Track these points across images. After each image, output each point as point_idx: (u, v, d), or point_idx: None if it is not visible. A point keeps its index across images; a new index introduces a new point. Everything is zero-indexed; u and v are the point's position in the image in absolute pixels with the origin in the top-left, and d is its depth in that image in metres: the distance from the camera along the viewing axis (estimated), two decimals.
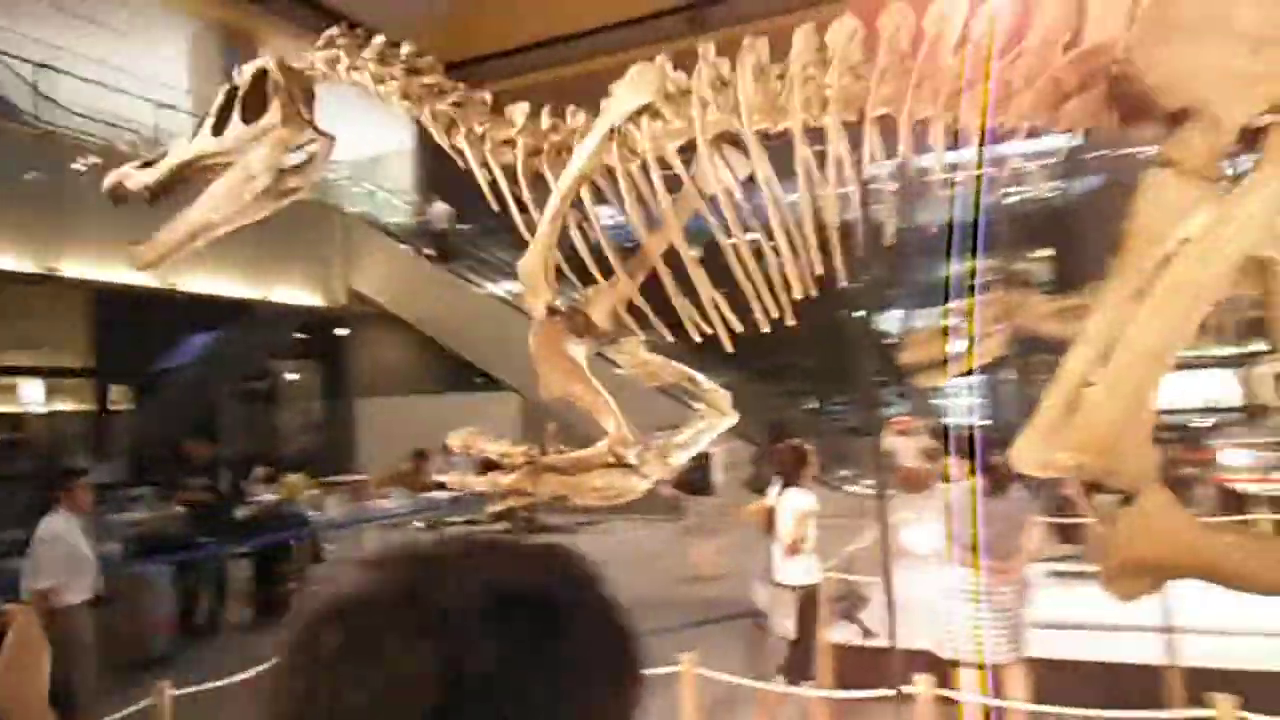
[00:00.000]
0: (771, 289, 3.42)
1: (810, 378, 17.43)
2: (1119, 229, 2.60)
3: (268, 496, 9.40)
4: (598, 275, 3.66)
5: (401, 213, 19.05)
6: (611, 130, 3.36)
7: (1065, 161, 13.88)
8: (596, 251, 3.64)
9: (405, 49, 3.82)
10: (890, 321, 15.55)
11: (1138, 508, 2.51)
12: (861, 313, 6.43)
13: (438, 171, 19.56)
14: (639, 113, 3.35)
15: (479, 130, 3.71)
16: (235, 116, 3.65)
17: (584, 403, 3.61)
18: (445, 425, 12.67)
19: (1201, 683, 4.00)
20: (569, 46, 18.98)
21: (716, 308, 3.46)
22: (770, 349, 4.60)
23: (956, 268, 3.81)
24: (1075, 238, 14.05)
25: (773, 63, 3.22)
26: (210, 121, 3.72)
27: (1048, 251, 16.39)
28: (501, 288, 16.47)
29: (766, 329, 3.53)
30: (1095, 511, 2.74)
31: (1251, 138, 2.53)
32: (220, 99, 3.74)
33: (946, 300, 3.79)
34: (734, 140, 3.31)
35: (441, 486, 12.43)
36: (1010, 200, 13.49)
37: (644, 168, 3.41)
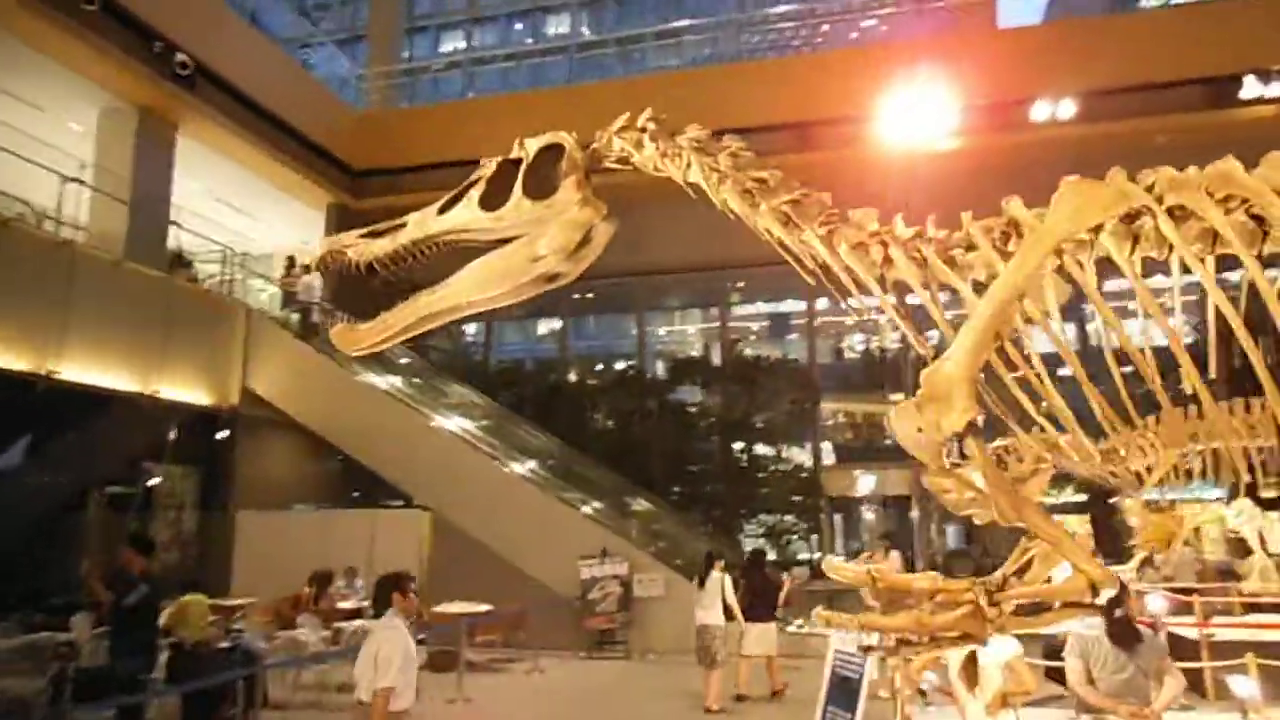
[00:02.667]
0: None
1: None
2: None
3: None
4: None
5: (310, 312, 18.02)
6: (1054, 246, 3.02)
7: None
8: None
9: (726, 139, 3.45)
10: None
11: None
12: None
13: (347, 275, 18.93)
14: (1087, 229, 3.03)
15: (821, 230, 3.30)
16: (517, 191, 3.27)
17: (1042, 533, 3.32)
18: (348, 543, 11.46)
19: None
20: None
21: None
22: None
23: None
24: None
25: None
26: (475, 193, 3.32)
27: None
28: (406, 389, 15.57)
29: None
30: None
31: None
32: (488, 170, 3.37)
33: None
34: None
35: (356, 614, 11.25)
36: None
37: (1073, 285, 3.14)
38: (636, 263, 18.68)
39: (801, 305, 19.23)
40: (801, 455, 16.91)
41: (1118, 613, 4.13)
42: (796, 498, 16.35)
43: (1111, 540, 14.77)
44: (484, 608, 11.66)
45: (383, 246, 3.34)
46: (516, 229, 3.29)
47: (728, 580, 9.39)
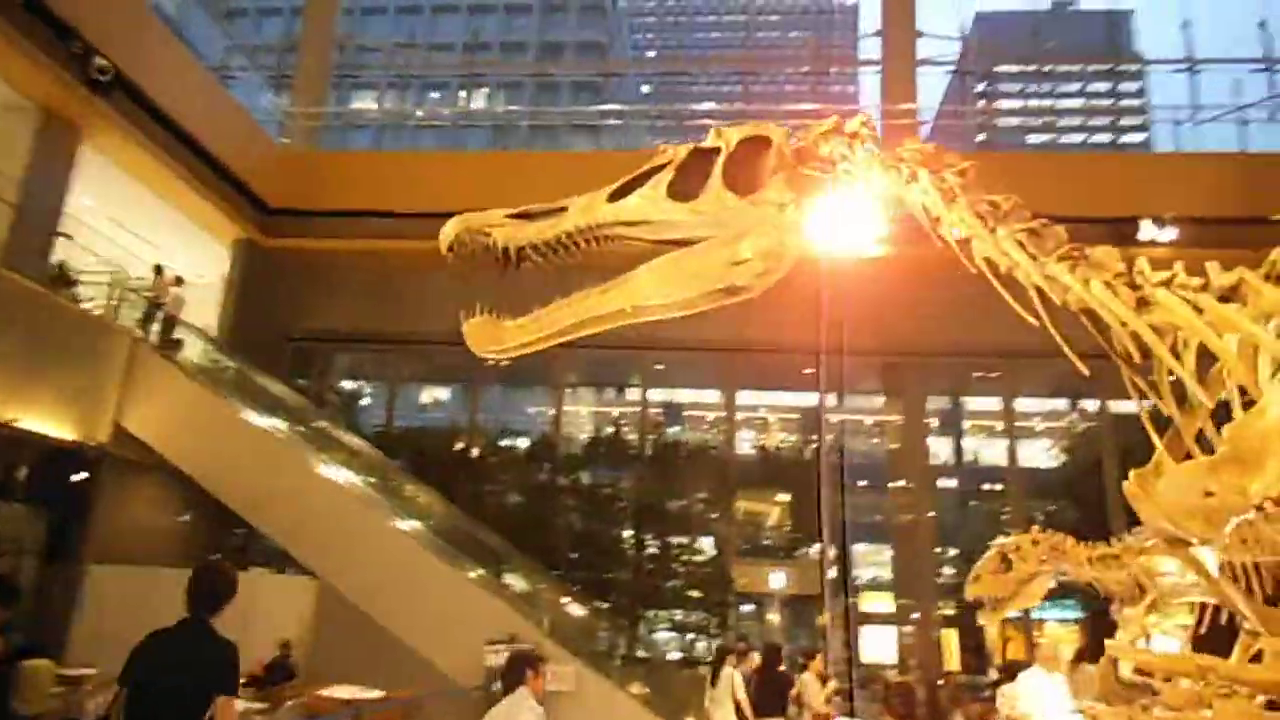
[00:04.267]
0: None
1: None
2: None
3: None
4: None
5: (197, 350, 16.51)
6: None
7: None
8: None
9: (949, 157, 3.05)
10: None
11: None
12: None
13: (250, 304, 17.73)
14: None
15: (1062, 265, 2.89)
16: (716, 183, 2.87)
17: None
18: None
19: None
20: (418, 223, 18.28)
21: None
22: None
23: None
24: None
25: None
26: (661, 180, 2.89)
27: None
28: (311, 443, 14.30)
29: None
30: None
31: None
32: (677, 156, 2.95)
33: None
34: None
35: (347, 704, 9.71)
36: None
37: None
38: None
39: (717, 396, 19.05)
40: (713, 547, 16.41)
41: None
42: (695, 593, 15.80)
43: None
44: (375, 694, 10.44)
45: (540, 231, 2.86)
46: (712, 227, 2.85)
47: (738, 677, 9.06)
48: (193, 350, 15.86)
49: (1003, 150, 30.09)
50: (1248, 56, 20.10)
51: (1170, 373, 3.05)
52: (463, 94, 42.18)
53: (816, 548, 18.39)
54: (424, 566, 12.83)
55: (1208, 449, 3.03)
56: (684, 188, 2.89)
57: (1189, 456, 2.99)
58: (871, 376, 19.44)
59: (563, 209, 2.92)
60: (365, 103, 40.90)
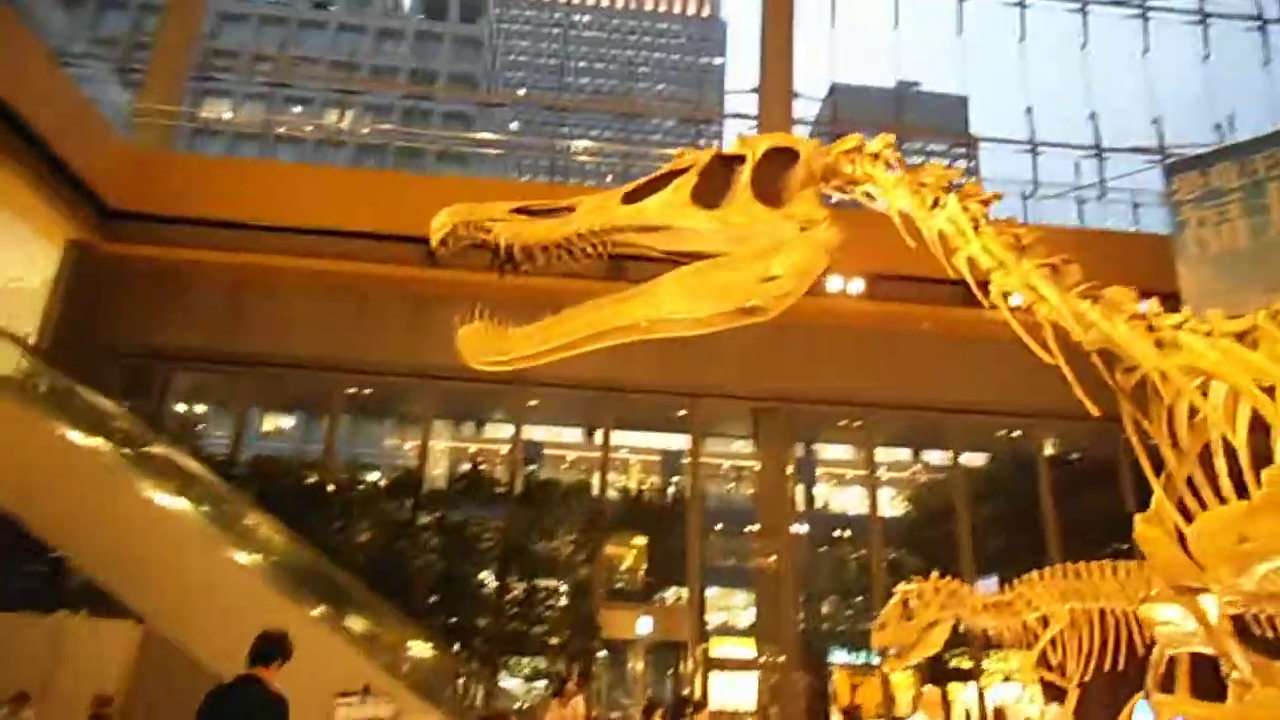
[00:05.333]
0: None
1: None
2: None
3: None
4: None
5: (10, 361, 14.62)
6: None
7: None
8: None
9: (970, 186, 3.01)
10: None
11: None
12: None
13: (78, 313, 15.98)
14: None
15: (1085, 302, 2.87)
16: (744, 193, 2.72)
17: None
18: (20, 659, 8.84)
19: None
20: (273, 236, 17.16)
21: None
22: None
23: None
24: None
25: None
26: (685, 185, 2.71)
27: None
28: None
29: None
30: None
31: None
32: (700, 160, 2.79)
33: None
34: None
35: None
36: None
37: None
38: (425, 364, 17.46)
39: (598, 436, 18.70)
40: (578, 591, 15.92)
41: None
42: (558, 639, 15.25)
43: None
44: None
45: (548, 230, 2.64)
46: (737, 240, 2.67)
47: None
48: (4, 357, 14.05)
49: (851, 209, 31.72)
50: (1081, 143, 22.04)
51: (1170, 415, 3.04)
52: (330, 112, 40.57)
53: (683, 591, 18.25)
54: (268, 609, 11.68)
55: (1196, 493, 3.04)
56: (707, 195, 2.67)
57: (1182, 500, 2.99)
58: (739, 421, 19.67)
59: (569, 208, 2.68)
60: (220, 110, 38.70)
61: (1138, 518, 3.14)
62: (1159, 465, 3.21)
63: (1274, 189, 14.36)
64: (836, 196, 3.18)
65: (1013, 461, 20.21)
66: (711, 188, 2.77)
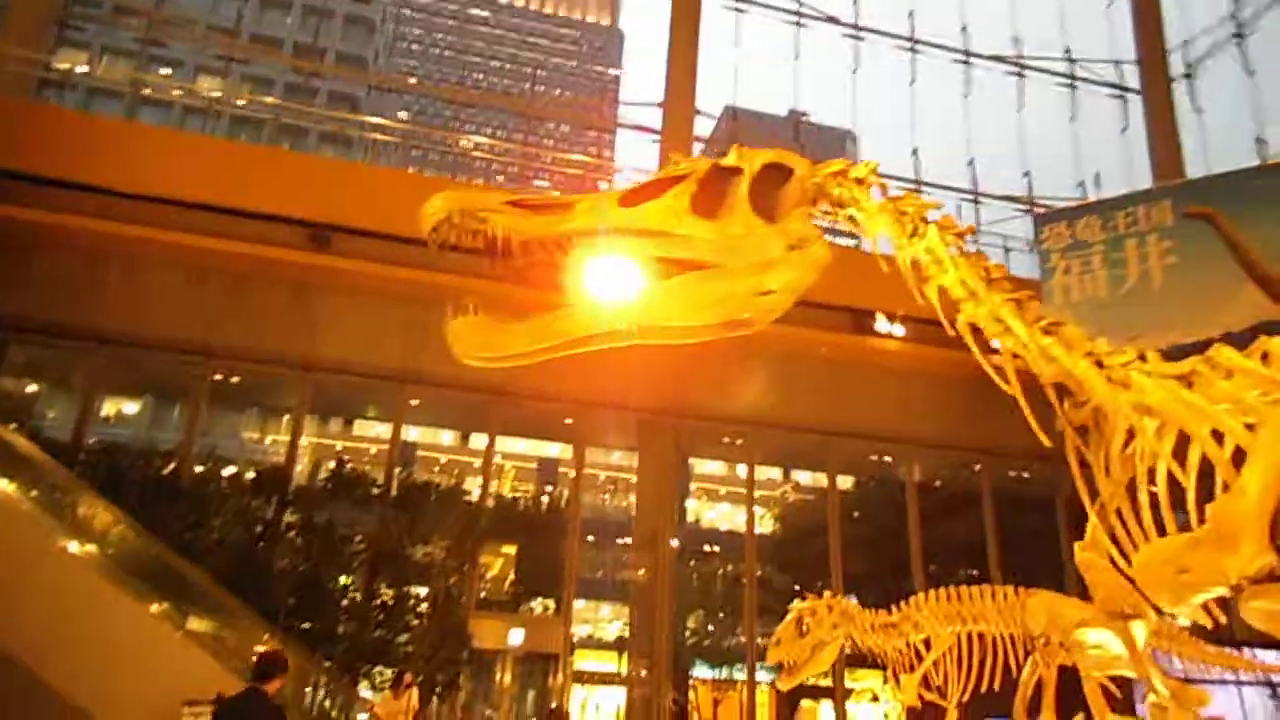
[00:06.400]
0: None
1: None
2: None
3: None
4: None
5: None
6: None
7: None
8: None
9: (947, 219, 3.07)
10: None
11: None
12: None
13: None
14: None
15: (1048, 338, 2.96)
16: (743, 206, 2.77)
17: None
18: None
19: None
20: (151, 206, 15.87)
21: None
22: None
23: None
24: None
25: None
26: (683, 193, 2.72)
27: None
28: None
29: None
30: None
31: None
32: (698, 169, 2.81)
33: None
34: None
35: None
36: None
37: None
38: (301, 354, 16.57)
39: (475, 440, 18.19)
40: (449, 599, 15.40)
41: None
42: (423, 648, 14.69)
43: None
44: None
45: (546, 226, 2.58)
46: (732, 252, 2.69)
47: None
48: None
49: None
50: (961, 186, 23.29)
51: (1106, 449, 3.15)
52: (204, 78, 38.13)
53: (550, 603, 17.96)
54: (109, 606, 10.70)
55: (1125, 524, 3.16)
56: (705, 205, 2.62)
57: (1113, 532, 3.11)
58: (623, 433, 19.62)
59: (566, 205, 2.56)
60: (78, 62, 35.65)
61: (1077, 545, 3.33)
62: (1094, 494, 3.33)
63: (1131, 245, 15.54)
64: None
65: (881, 486, 21.04)
66: (709, 198, 2.73)
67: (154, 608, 11.24)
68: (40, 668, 9.71)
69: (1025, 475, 20.00)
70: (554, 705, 15.61)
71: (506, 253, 2.50)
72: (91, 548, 11.87)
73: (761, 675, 20.09)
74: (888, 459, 20.13)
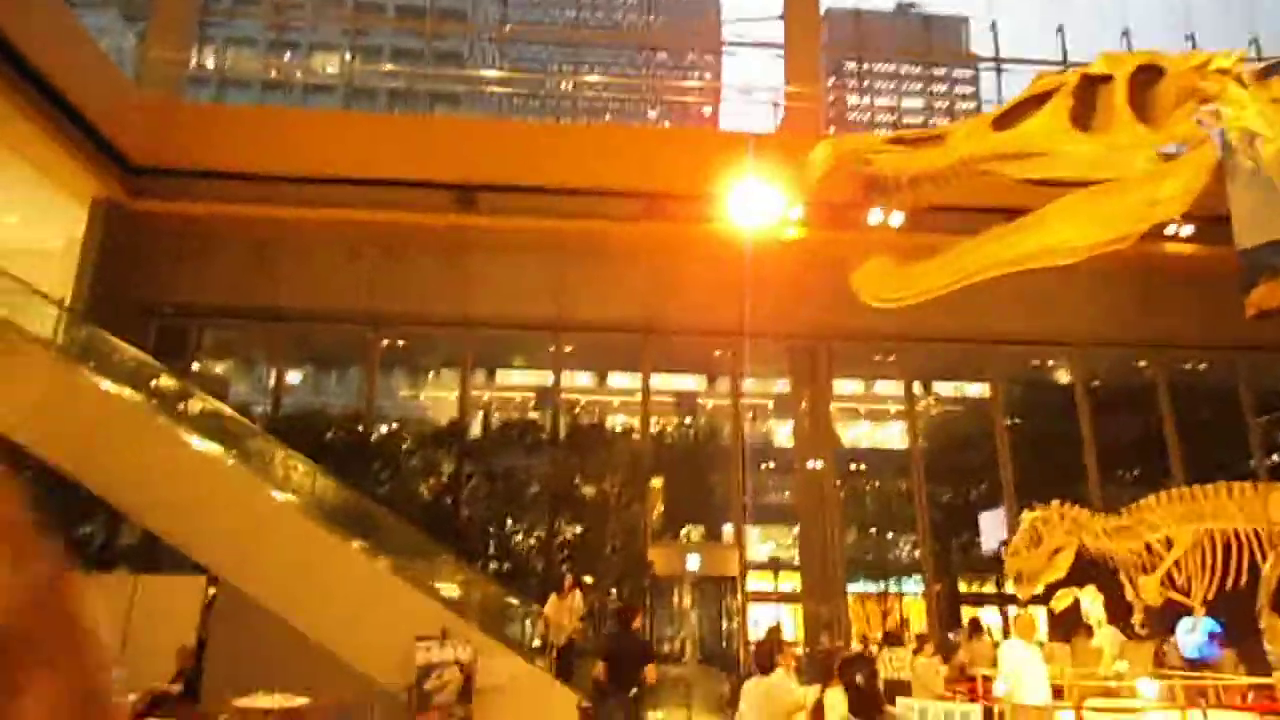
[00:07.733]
0: None
1: None
2: None
3: None
4: None
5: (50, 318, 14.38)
6: None
7: None
8: None
9: None
10: None
11: None
12: None
13: (108, 273, 15.66)
14: None
15: None
16: (1124, 113, 2.60)
17: None
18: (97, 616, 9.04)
19: None
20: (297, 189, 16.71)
21: None
22: None
23: None
24: None
25: None
26: (1060, 107, 2.62)
27: None
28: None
29: None
30: None
31: None
32: (1069, 82, 2.66)
33: None
34: None
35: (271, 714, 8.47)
36: None
37: None
38: (463, 313, 17.31)
39: (637, 378, 18.65)
40: (627, 532, 16.09)
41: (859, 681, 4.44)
42: (609, 580, 15.48)
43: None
44: (299, 701, 9.45)
45: (930, 160, 2.61)
46: (1115, 165, 2.64)
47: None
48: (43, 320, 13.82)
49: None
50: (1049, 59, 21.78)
51: None
52: (318, 55, 39.42)
53: (728, 528, 18.50)
54: (337, 558, 11.79)
55: None
56: (1082, 118, 2.59)
57: None
58: (773, 359, 19.68)
59: (940, 137, 2.58)
60: (210, 57, 37.48)
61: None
62: None
63: None
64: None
65: (1037, 389, 20.38)
66: (1085, 110, 2.67)
67: (380, 561, 12.27)
68: (293, 617, 10.81)
69: (1201, 367, 18.95)
70: (773, 624, 16.26)
71: (898, 190, 2.59)
72: (313, 507, 13.01)
73: (909, 586, 20.18)
74: (1051, 362, 19.44)
